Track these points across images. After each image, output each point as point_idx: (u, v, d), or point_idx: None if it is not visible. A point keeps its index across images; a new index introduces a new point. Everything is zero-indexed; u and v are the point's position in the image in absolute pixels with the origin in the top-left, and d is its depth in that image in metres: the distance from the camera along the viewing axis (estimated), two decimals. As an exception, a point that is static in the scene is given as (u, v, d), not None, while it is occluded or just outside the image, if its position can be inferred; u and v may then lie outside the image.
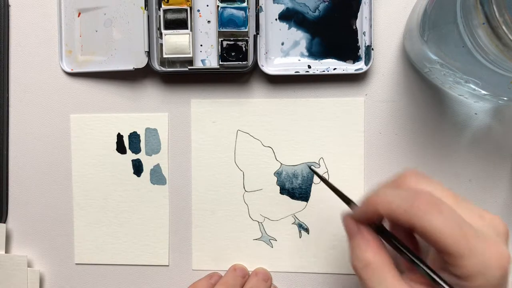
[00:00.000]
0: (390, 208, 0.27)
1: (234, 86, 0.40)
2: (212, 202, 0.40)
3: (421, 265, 0.28)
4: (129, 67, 0.39)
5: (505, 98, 0.31)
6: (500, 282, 0.26)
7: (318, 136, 0.39)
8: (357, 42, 0.38)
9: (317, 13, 0.38)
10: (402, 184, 0.30)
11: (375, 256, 0.28)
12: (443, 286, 0.26)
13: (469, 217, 0.27)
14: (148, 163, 0.41)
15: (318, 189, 0.40)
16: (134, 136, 0.41)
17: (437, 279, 0.27)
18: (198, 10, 0.39)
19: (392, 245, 0.29)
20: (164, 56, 0.38)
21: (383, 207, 0.28)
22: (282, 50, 0.39)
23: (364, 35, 0.38)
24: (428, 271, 0.27)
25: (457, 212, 0.27)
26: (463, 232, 0.26)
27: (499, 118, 0.38)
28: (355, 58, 0.38)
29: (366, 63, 0.38)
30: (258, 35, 0.38)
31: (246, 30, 0.38)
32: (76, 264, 0.42)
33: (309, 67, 0.38)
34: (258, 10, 0.38)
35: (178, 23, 0.38)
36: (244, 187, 0.40)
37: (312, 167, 0.38)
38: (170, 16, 0.38)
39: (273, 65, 0.39)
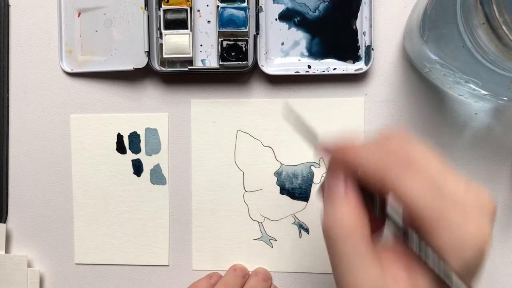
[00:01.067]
0: (362, 164, 0.25)
1: (234, 86, 0.40)
2: (212, 202, 0.40)
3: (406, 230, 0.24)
4: (129, 67, 0.39)
5: (505, 98, 0.31)
6: (476, 262, 0.23)
7: (318, 136, 0.39)
8: (357, 42, 0.38)
9: (317, 13, 0.38)
10: (386, 146, 0.25)
11: (353, 216, 0.25)
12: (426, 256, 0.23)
13: (453, 185, 0.24)
14: (148, 163, 0.41)
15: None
16: (134, 136, 0.41)
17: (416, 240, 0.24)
18: (198, 10, 0.39)
19: (371, 204, 0.26)
20: (164, 56, 0.38)
21: (354, 159, 0.25)
22: (282, 50, 0.39)
23: (364, 35, 0.38)
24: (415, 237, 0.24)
25: (438, 176, 0.24)
26: (440, 196, 0.23)
27: (499, 118, 0.38)
28: (355, 58, 0.38)
29: (366, 63, 0.38)
30: (258, 35, 0.38)
31: (246, 30, 0.38)
32: (76, 264, 0.42)
33: (309, 67, 0.38)
34: (258, 10, 0.38)
35: (178, 23, 0.38)
36: (244, 187, 0.40)
37: (286, 103, 0.36)
38: (170, 16, 0.38)
39: (273, 65, 0.39)
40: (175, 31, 0.38)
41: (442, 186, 0.24)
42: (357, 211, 0.25)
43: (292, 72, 0.38)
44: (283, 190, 0.40)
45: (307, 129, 0.29)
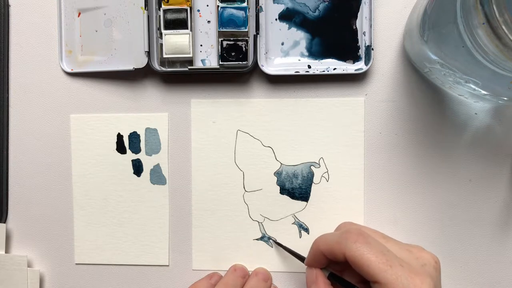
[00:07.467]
0: (327, 244, 0.33)
1: (234, 86, 0.40)
2: (212, 202, 0.40)
3: None
4: (129, 67, 0.39)
5: (505, 98, 0.31)
6: None
7: (318, 136, 0.39)
8: (357, 42, 0.38)
9: (317, 13, 0.38)
10: (342, 227, 0.37)
11: None
12: None
13: (397, 250, 0.32)
14: (148, 163, 0.41)
15: (318, 189, 0.40)
16: (134, 136, 0.41)
17: None
18: (198, 10, 0.39)
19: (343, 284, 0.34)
20: (164, 56, 0.38)
21: (322, 244, 0.33)
22: (282, 50, 0.39)
23: (364, 35, 0.38)
24: None
25: (384, 245, 0.31)
26: (388, 260, 0.30)
27: (499, 118, 0.38)
28: (355, 58, 0.38)
29: (366, 63, 0.38)
30: (258, 35, 0.38)
31: (246, 30, 0.38)
32: (76, 264, 0.42)
33: (309, 67, 0.38)
34: (258, 10, 0.38)
35: (178, 23, 0.38)
36: (244, 187, 0.40)
37: (273, 240, 0.40)
38: (170, 16, 0.38)
39: (273, 65, 0.39)
40: (175, 31, 0.38)
41: (386, 250, 0.30)
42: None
43: (292, 72, 0.38)
44: (283, 190, 0.40)
45: (296, 253, 0.38)
